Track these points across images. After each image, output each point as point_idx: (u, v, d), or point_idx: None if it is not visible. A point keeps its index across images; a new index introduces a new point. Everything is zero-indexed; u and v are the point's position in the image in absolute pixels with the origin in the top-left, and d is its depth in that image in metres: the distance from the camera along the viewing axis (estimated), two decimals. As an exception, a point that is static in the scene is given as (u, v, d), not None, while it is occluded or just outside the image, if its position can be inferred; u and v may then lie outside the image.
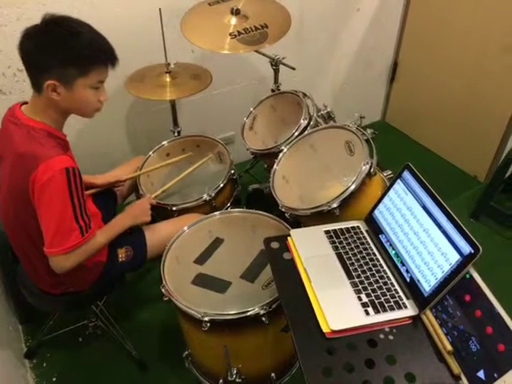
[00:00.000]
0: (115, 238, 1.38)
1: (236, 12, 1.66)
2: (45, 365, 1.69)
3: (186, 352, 1.45)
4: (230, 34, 1.61)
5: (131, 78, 1.82)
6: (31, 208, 1.18)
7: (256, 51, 1.79)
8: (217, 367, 1.35)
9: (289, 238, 1.18)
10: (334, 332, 0.95)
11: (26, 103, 1.27)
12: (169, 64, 1.81)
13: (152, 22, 1.73)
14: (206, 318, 1.15)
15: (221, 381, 1.35)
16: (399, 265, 1.08)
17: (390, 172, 1.56)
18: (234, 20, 1.67)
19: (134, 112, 2.12)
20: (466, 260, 0.90)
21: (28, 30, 1.14)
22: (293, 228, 1.36)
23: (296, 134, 1.59)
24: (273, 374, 1.36)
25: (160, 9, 1.67)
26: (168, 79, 1.80)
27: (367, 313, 0.99)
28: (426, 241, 1.02)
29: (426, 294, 0.98)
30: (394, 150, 2.66)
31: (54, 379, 1.64)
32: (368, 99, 2.96)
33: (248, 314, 1.15)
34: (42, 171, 1.12)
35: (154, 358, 1.69)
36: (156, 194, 1.60)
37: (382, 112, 3.11)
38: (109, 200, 1.65)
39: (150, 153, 1.81)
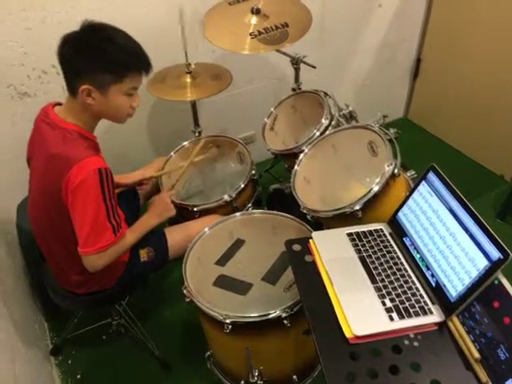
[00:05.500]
0: (138, 238, 1.40)
1: (256, 11, 1.65)
2: (70, 362, 1.72)
3: (208, 353, 1.46)
4: (251, 34, 1.60)
5: (152, 79, 1.82)
6: (62, 209, 1.20)
7: (276, 50, 1.77)
8: (238, 369, 1.36)
9: (310, 240, 1.17)
10: (357, 338, 0.93)
11: (58, 104, 1.29)
12: (189, 64, 1.81)
13: (172, 23, 1.74)
14: (228, 320, 1.15)
15: (242, 382, 1.35)
16: (424, 269, 1.06)
17: (413, 172, 1.53)
18: (254, 19, 1.65)
19: (154, 113, 2.14)
20: (494, 266, 0.88)
21: (67, 36, 1.17)
22: (314, 229, 1.35)
23: (317, 134, 1.57)
24: (295, 377, 1.36)
25: (181, 9, 1.67)
26: (189, 80, 1.80)
27: (391, 318, 0.97)
28: (452, 245, 1.00)
29: (452, 300, 0.96)
30: (417, 148, 2.61)
31: (79, 376, 1.67)
32: (390, 96, 2.91)
33: (270, 316, 1.15)
34: (75, 173, 1.14)
35: (177, 357, 1.70)
36: (172, 184, 1.61)
37: (404, 109, 3.06)
38: (133, 201, 1.67)
39: (171, 153, 1.82)
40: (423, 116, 2.96)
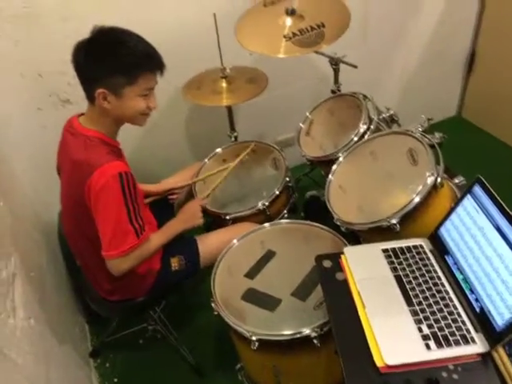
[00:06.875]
0: (168, 245, 1.40)
1: (291, 12, 1.58)
2: (107, 365, 1.76)
3: (239, 365, 1.43)
4: (285, 37, 1.53)
5: (188, 85, 1.81)
6: (89, 214, 1.22)
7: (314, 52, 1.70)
8: (268, 383, 1.32)
9: (342, 256, 1.11)
10: (388, 367, 0.86)
11: (83, 114, 1.31)
12: (224, 69, 1.78)
13: (207, 28, 1.71)
14: (254, 338, 1.11)
15: (273, 398, 1.30)
16: (468, 292, 0.97)
17: (462, 179, 1.41)
18: (289, 21, 1.58)
19: (191, 117, 2.13)
20: (547, 295, 0.77)
21: (79, 43, 1.19)
22: (349, 241, 1.28)
23: (355, 139, 1.48)
24: (327, 395, 1.29)
25: (215, 14, 1.64)
26: (224, 84, 1.77)
27: (428, 347, 0.89)
28: (499, 267, 0.90)
29: (498, 329, 0.86)
30: (472, 149, 2.43)
31: (116, 380, 1.70)
32: (441, 94, 2.72)
33: (298, 336, 1.09)
34: (96, 177, 1.16)
35: (210, 365, 1.69)
36: (206, 193, 1.58)
37: (457, 107, 2.86)
38: (166, 210, 1.66)
39: (206, 160, 1.80)
40: (479, 114, 2.74)
